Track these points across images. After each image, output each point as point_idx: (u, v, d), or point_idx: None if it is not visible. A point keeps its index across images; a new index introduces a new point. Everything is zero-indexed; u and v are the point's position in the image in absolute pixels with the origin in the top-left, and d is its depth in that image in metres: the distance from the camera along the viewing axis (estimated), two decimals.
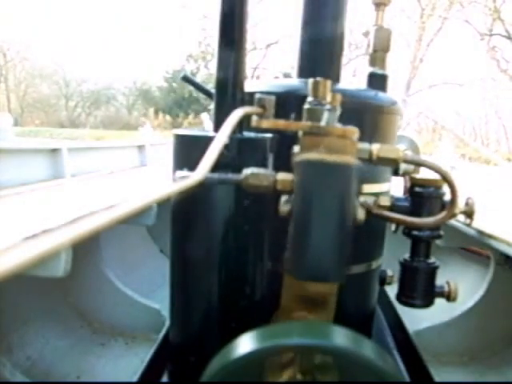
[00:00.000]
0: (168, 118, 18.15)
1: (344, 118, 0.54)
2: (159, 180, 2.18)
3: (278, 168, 0.55)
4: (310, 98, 0.54)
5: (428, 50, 15.53)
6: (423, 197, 0.72)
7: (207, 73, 18.94)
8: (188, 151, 0.62)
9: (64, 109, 21.61)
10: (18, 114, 19.72)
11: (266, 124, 0.52)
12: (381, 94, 0.82)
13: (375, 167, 0.79)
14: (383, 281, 0.90)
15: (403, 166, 0.79)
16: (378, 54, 0.85)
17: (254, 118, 0.53)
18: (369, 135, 0.76)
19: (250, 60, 18.81)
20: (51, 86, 21.40)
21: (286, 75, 1.00)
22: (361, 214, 0.53)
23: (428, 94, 16.13)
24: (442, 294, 0.80)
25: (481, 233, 1.20)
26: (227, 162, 0.56)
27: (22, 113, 20.24)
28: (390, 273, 0.91)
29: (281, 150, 0.64)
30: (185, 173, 0.57)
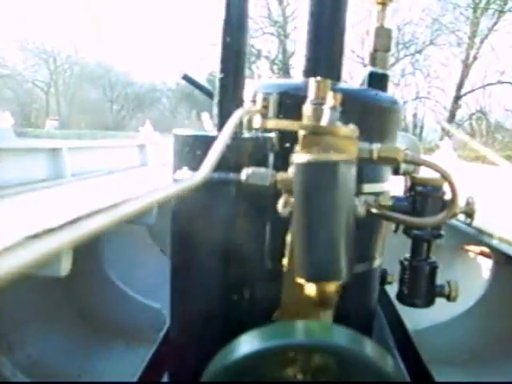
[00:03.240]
0: None
1: (345, 118, 0.53)
2: (160, 180, 2.18)
3: (278, 167, 0.55)
4: (310, 98, 0.54)
5: (482, 47, 15.02)
6: (423, 196, 0.72)
7: (250, 74, 18.57)
8: (189, 151, 0.62)
9: (109, 111, 21.85)
10: (66, 117, 20.04)
11: (269, 124, 0.52)
12: (381, 94, 0.82)
13: (376, 167, 0.80)
14: (384, 280, 0.91)
15: (403, 166, 0.79)
16: (379, 53, 0.85)
17: (256, 118, 0.53)
18: (369, 135, 0.76)
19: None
20: (98, 90, 21.61)
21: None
22: (361, 213, 0.53)
23: (482, 93, 15.62)
24: (442, 294, 0.80)
25: (481, 232, 1.20)
26: (228, 161, 0.56)
27: (69, 116, 20.49)
28: (390, 272, 0.91)
29: (281, 149, 0.64)
30: (186, 172, 0.57)
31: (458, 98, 15.58)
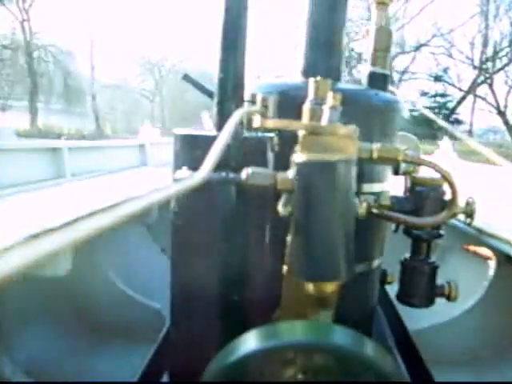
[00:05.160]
0: None
1: (345, 118, 0.53)
2: (160, 179, 2.18)
3: (278, 167, 0.55)
4: (310, 98, 0.54)
5: None
6: (423, 196, 0.72)
7: (350, 79, 17.60)
8: (189, 151, 0.62)
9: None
10: (168, 124, 20.59)
11: (269, 124, 0.52)
12: (381, 94, 0.82)
13: (376, 166, 0.80)
14: (384, 280, 0.90)
15: (403, 166, 0.79)
16: (379, 53, 0.85)
17: (256, 118, 0.53)
18: (369, 135, 0.76)
19: (399, 63, 17.74)
20: (201, 98, 22.25)
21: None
22: (361, 213, 0.53)
23: None
24: (442, 294, 0.80)
25: (481, 232, 1.20)
26: (228, 161, 0.56)
27: (170, 123, 20.98)
28: (390, 272, 0.91)
29: (281, 149, 0.64)
30: (186, 172, 0.57)
31: None
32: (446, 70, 18.18)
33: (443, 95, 18.49)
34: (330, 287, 0.51)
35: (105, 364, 1.31)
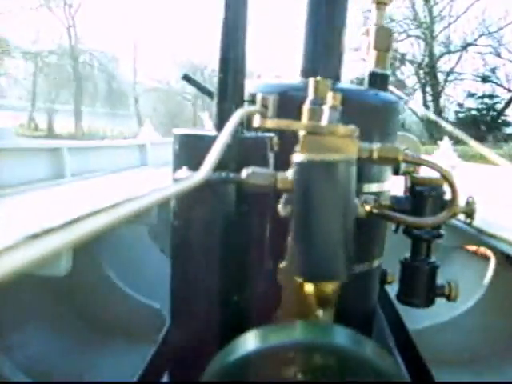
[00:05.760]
0: None
1: (345, 118, 0.53)
2: (160, 179, 2.18)
3: (278, 167, 0.55)
4: (310, 98, 0.54)
5: None
6: (423, 196, 0.72)
7: (395, 81, 16.88)
8: (189, 151, 0.62)
9: None
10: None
11: (269, 124, 0.52)
12: (381, 94, 0.82)
13: (376, 166, 0.80)
14: (384, 280, 0.90)
15: (403, 166, 0.79)
16: (379, 53, 0.85)
17: (256, 118, 0.53)
18: (369, 134, 0.76)
19: (444, 64, 17.16)
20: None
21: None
22: (361, 213, 0.53)
23: None
24: (442, 294, 0.80)
25: (481, 232, 1.20)
26: (228, 161, 0.56)
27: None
28: (390, 272, 0.91)
29: (281, 149, 0.64)
30: (186, 172, 0.57)
31: None
32: (493, 70, 17.26)
33: (491, 96, 17.35)
34: (330, 287, 0.51)
35: (105, 364, 1.31)
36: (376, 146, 0.54)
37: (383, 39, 0.84)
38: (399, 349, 1.32)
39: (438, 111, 17.23)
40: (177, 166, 0.62)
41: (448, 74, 17.62)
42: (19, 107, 18.87)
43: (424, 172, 0.73)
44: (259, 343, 0.41)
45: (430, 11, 16.80)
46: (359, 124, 0.51)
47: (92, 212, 1.12)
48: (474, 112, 17.22)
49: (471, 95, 17.64)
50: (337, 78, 0.82)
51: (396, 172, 0.82)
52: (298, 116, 0.53)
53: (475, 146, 0.62)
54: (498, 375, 1.26)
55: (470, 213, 0.73)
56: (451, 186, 0.58)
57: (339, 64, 0.84)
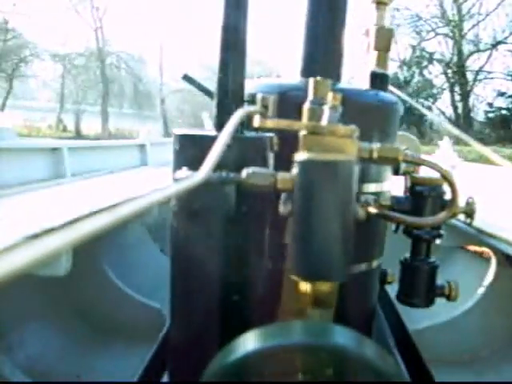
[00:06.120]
0: None
1: (345, 118, 0.54)
2: (160, 179, 2.18)
3: (278, 167, 0.55)
4: (310, 98, 0.54)
5: None
6: (423, 196, 0.72)
7: (423, 81, 16.98)
8: (189, 151, 0.62)
9: None
10: None
11: (269, 124, 0.52)
12: (381, 94, 0.82)
13: (375, 166, 0.80)
14: (384, 280, 0.90)
15: (403, 166, 0.79)
16: (379, 53, 0.85)
17: (256, 118, 0.53)
18: (369, 135, 0.76)
19: (473, 63, 16.67)
20: None
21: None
22: (361, 213, 0.53)
23: None
24: (442, 294, 0.80)
25: (481, 232, 1.20)
26: (228, 161, 0.56)
27: None
28: (390, 272, 0.91)
29: (281, 149, 0.64)
30: (186, 172, 0.57)
31: None
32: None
33: None
34: (329, 287, 0.51)
35: (105, 364, 1.31)
36: (376, 146, 0.54)
37: (383, 39, 0.84)
38: (399, 349, 1.32)
39: (467, 111, 16.90)
40: (177, 166, 0.62)
41: (477, 72, 17.20)
42: (46, 108, 19.39)
43: (424, 172, 0.73)
44: (259, 343, 0.41)
45: (459, 9, 16.44)
46: (359, 124, 0.51)
47: (92, 212, 1.12)
48: (504, 112, 16.69)
49: (501, 94, 17.07)
50: (337, 78, 0.82)
51: (396, 172, 0.82)
52: (298, 116, 0.53)
53: (477, 146, 0.62)
54: (498, 375, 1.26)
55: (470, 213, 0.73)
56: (451, 186, 0.58)
57: (339, 64, 0.84)
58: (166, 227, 0.73)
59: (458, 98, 17.62)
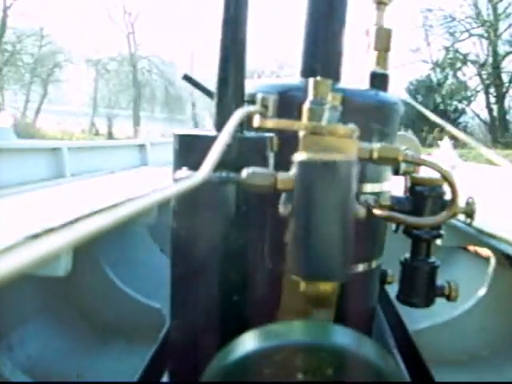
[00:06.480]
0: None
1: (345, 118, 0.54)
2: (160, 179, 2.18)
3: (278, 167, 0.55)
4: (310, 98, 0.54)
5: None
6: (423, 196, 0.72)
7: (457, 83, 16.57)
8: (189, 151, 0.62)
9: None
10: None
11: (269, 124, 0.52)
12: (381, 94, 0.82)
13: (376, 166, 0.80)
14: (383, 280, 0.90)
15: (403, 166, 0.79)
16: (379, 53, 0.85)
17: (256, 118, 0.53)
18: (369, 134, 0.76)
19: (509, 64, 16.23)
20: None
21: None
22: (361, 213, 0.53)
23: None
24: (442, 294, 0.80)
25: (481, 232, 1.20)
26: (228, 161, 0.56)
27: None
28: (390, 272, 0.91)
29: (281, 149, 0.64)
30: (186, 172, 0.57)
31: None
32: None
33: None
34: (329, 287, 0.51)
35: (105, 364, 1.31)
36: (376, 146, 0.54)
37: (383, 39, 0.84)
38: (399, 349, 1.32)
39: (503, 113, 16.58)
40: (177, 166, 0.62)
41: None
42: (80, 113, 19.72)
43: (424, 172, 0.73)
44: (259, 343, 0.41)
45: (495, 8, 16.05)
46: (359, 124, 0.51)
47: (92, 212, 1.12)
48: None
49: None
50: (337, 78, 0.82)
51: (396, 172, 0.82)
52: (298, 116, 0.53)
53: (475, 145, 0.62)
54: (498, 375, 1.26)
55: (470, 213, 0.73)
56: (451, 186, 0.58)
57: (339, 64, 0.84)
58: (166, 227, 0.73)
59: (493, 100, 17.26)
